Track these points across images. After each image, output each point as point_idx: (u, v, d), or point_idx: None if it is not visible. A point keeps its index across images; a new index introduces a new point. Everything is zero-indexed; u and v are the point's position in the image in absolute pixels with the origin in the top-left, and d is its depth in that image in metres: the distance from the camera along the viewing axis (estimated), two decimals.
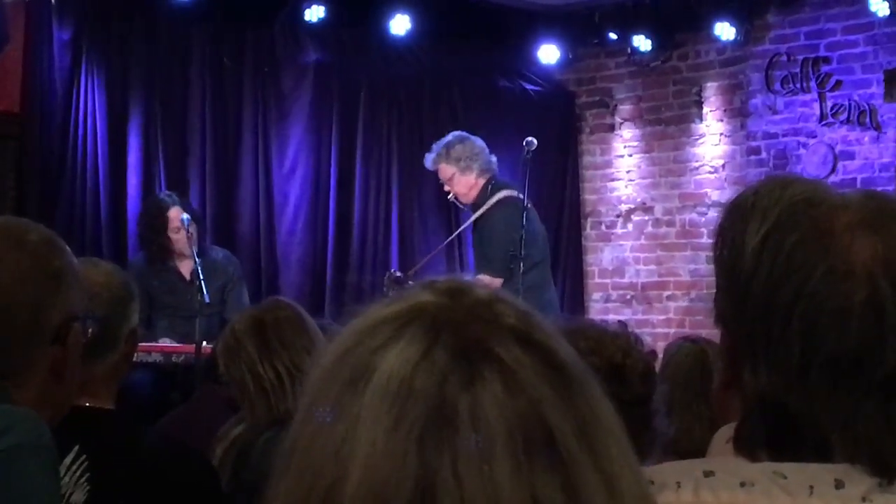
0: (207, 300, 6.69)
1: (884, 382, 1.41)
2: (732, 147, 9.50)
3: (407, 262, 9.21)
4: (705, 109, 9.67)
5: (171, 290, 7.27)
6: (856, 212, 1.45)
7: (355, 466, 0.91)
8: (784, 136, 9.05)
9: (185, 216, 7.11)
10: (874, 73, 8.65)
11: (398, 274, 7.48)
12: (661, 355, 4.04)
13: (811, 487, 1.40)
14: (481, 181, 7.46)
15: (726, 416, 1.55)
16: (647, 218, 9.96)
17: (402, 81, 9.49)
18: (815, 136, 8.90)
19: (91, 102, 8.08)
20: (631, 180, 10.09)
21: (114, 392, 2.66)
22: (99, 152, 8.10)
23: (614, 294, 10.09)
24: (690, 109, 9.74)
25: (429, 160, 7.59)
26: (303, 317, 3.58)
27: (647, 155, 9.99)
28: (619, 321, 3.20)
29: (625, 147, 10.15)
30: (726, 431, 1.51)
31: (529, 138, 7.33)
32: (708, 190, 9.56)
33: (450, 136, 7.62)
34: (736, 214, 1.50)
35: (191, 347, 6.58)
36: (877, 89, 8.64)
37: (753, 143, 9.23)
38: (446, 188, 7.55)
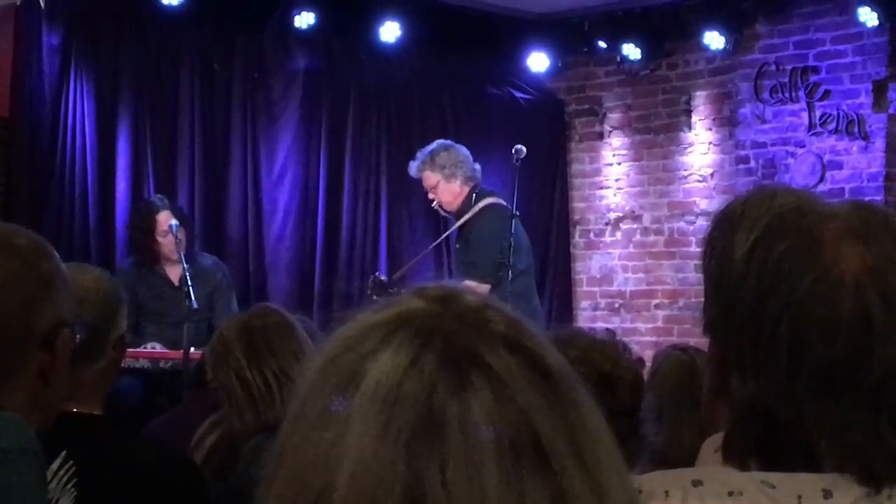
0: (195, 306, 6.68)
1: (872, 391, 1.41)
2: (721, 156, 9.51)
3: (395, 268, 9.20)
4: (694, 118, 9.69)
5: (160, 295, 7.27)
6: (844, 221, 1.46)
7: (344, 473, 0.91)
8: (773, 145, 9.07)
9: (174, 222, 7.11)
10: (863, 82, 8.67)
11: (382, 277, 7.49)
12: (648, 364, 4.04)
13: (799, 497, 1.40)
14: (466, 189, 7.45)
15: (715, 425, 1.55)
16: (635, 226, 9.97)
17: (392, 88, 9.49)
18: (803, 146, 8.92)
19: (80, 107, 8.07)
20: (619, 189, 10.09)
21: (102, 398, 2.65)
22: (88, 157, 8.09)
23: (602, 302, 10.10)
24: (679, 118, 9.75)
25: (413, 168, 7.58)
26: (291, 323, 3.57)
27: (636, 163, 10.00)
28: (607, 329, 3.20)
29: (614, 155, 10.16)
30: (715, 440, 1.51)
31: (518, 146, 7.33)
32: (696, 199, 9.58)
33: (434, 144, 7.62)
34: (724, 224, 1.51)
35: (178, 353, 6.57)
36: (865, 99, 8.66)
37: (742, 153, 9.24)
38: (430, 196, 7.54)
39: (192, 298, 6.71)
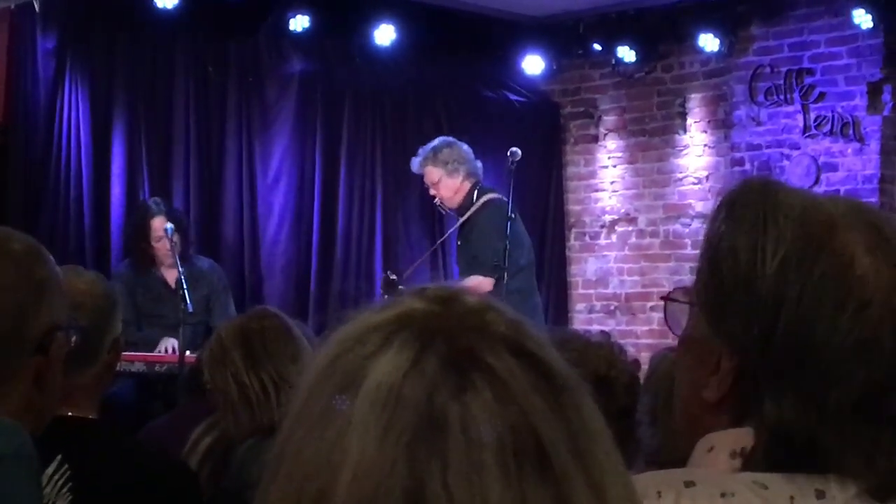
0: (191, 309, 6.68)
1: None
2: (716, 158, 9.52)
3: (391, 270, 9.20)
4: (689, 121, 9.69)
5: (156, 298, 7.27)
6: (861, 233, 1.46)
7: (344, 474, 0.91)
8: (768, 147, 9.08)
9: (169, 226, 7.11)
10: (858, 84, 8.68)
11: (392, 276, 7.47)
12: (644, 366, 4.04)
13: (791, 498, 1.40)
14: (467, 185, 7.47)
15: (696, 429, 1.55)
16: (630, 229, 9.97)
17: (387, 91, 9.49)
18: (798, 148, 8.93)
19: (75, 111, 8.07)
20: (615, 191, 10.10)
21: (97, 402, 2.65)
22: (83, 161, 8.08)
23: (598, 305, 10.10)
24: (674, 120, 9.76)
25: (415, 163, 7.58)
26: (289, 326, 3.57)
27: (631, 166, 10.01)
28: (603, 331, 3.19)
29: (609, 158, 10.16)
30: (707, 441, 1.51)
31: (514, 149, 7.33)
32: (692, 201, 9.58)
33: (437, 141, 7.64)
34: (733, 223, 1.49)
35: (174, 357, 6.57)
36: (860, 101, 8.67)
37: (737, 155, 9.25)
38: (432, 192, 7.53)
39: (188, 302, 6.71)
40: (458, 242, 7.60)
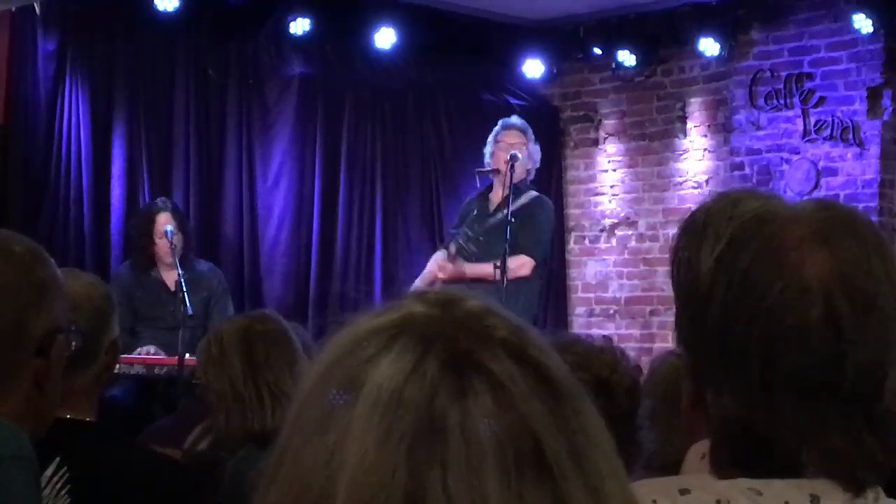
0: (190, 312, 6.68)
1: (847, 396, 1.41)
2: (716, 162, 9.52)
3: (390, 274, 9.21)
4: (689, 125, 9.69)
5: (155, 300, 7.27)
6: (806, 225, 1.45)
7: (344, 478, 0.91)
8: (767, 151, 9.08)
9: (170, 228, 7.12)
10: (857, 89, 8.68)
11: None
12: (645, 370, 4.04)
13: (786, 503, 1.40)
14: (531, 170, 7.59)
15: (695, 433, 1.55)
16: (630, 233, 9.97)
17: (387, 94, 9.50)
18: (798, 153, 8.93)
19: (75, 113, 8.07)
20: (615, 195, 10.10)
21: (95, 403, 2.64)
22: (83, 162, 8.08)
23: (597, 308, 10.10)
24: (674, 125, 9.76)
25: (517, 119, 7.75)
26: (288, 332, 3.56)
27: (631, 170, 10.01)
28: (605, 336, 3.19)
29: (609, 162, 10.16)
30: (700, 447, 1.51)
31: (513, 152, 7.33)
32: (691, 205, 9.50)
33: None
34: (690, 234, 1.50)
35: (173, 359, 6.57)
36: (860, 106, 8.67)
37: (737, 159, 9.25)
38: (514, 152, 7.35)
39: (188, 304, 6.71)
40: (512, 219, 7.42)
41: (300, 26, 8.65)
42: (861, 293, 1.41)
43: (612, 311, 10.00)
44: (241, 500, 0.99)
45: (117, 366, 7.08)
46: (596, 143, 10.24)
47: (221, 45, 8.81)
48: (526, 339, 0.98)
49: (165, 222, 7.18)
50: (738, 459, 1.44)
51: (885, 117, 8.62)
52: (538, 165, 7.72)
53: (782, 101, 8.99)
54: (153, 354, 6.83)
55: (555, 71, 10.08)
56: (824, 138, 8.80)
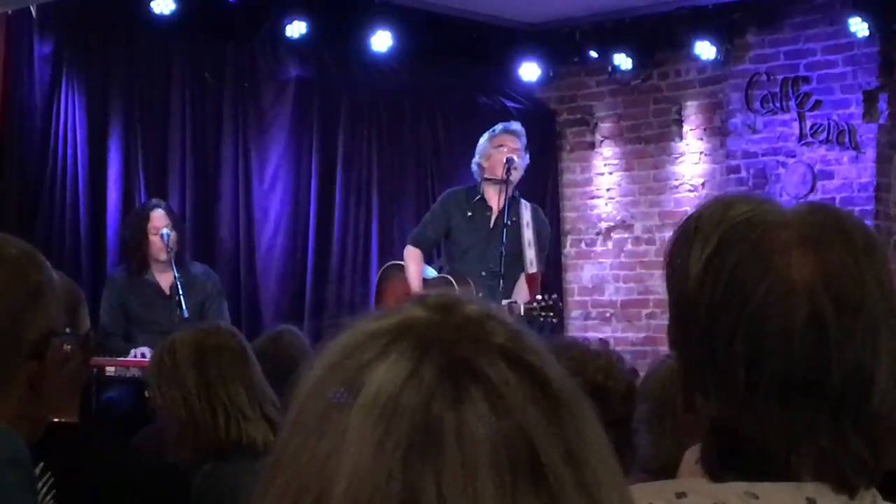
0: (186, 315, 6.67)
1: (833, 398, 1.41)
2: (712, 166, 9.53)
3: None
4: (685, 128, 9.70)
5: (150, 304, 7.26)
6: (795, 228, 1.45)
7: (339, 484, 0.91)
8: (763, 155, 9.09)
9: (166, 231, 7.12)
10: (853, 93, 8.69)
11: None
12: (641, 373, 4.04)
13: None
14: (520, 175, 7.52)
15: (691, 438, 1.55)
16: (626, 236, 9.98)
17: (383, 98, 9.50)
18: (794, 156, 8.94)
19: (71, 116, 8.07)
20: (611, 198, 10.10)
21: (76, 404, 2.62)
22: (79, 166, 8.08)
23: (594, 312, 10.10)
24: (670, 128, 9.77)
25: (518, 126, 7.62)
26: (243, 347, 3.53)
27: (628, 173, 10.02)
28: (602, 340, 3.18)
29: (605, 165, 10.17)
30: (695, 451, 1.51)
31: (510, 155, 7.33)
32: (688, 208, 9.56)
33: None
34: (682, 239, 1.50)
35: None
36: (856, 109, 8.68)
37: (733, 162, 9.26)
38: (511, 156, 7.31)
39: (184, 308, 6.70)
40: (525, 228, 7.41)
41: (296, 29, 8.65)
42: (847, 295, 1.41)
43: (608, 315, 10.00)
44: None
45: (113, 369, 7.07)
46: (592, 146, 10.24)
47: (218, 48, 8.81)
48: (524, 345, 0.98)
49: (160, 220, 7.18)
50: (728, 462, 1.44)
51: (881, 121, 8.63)
52: (522, 174, 7.58)
53: (778, 105, 9.00)
54: (147, 357, 6.82)
55: (551, 74, 10.08)
56: (820, 142, 8.81)
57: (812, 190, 8.77)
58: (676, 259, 1.50)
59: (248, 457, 3.31)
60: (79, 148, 8.09)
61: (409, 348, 0.94)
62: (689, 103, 9.69)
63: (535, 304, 7.06)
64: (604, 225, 10.11)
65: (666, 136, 9.79)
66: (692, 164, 9.65)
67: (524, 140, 7.51)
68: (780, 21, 9.00)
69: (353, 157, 9.31)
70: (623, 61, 9.66)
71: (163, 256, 7.12)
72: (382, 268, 8.01)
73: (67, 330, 2.03)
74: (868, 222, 7.51)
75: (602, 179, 10.17)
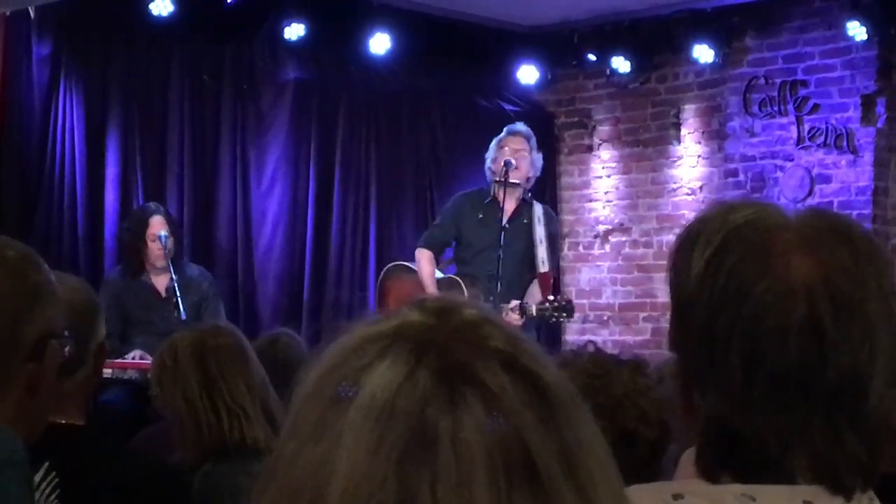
0: (184, 317, 6.67)
1: (828, 399, 1.41)
2: (710, 169, 9.53)
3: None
4: (683, 131, 9.70)
5: (146, 306, 7.25)
6: (796, 231, 1.46)
7: (335, 487, 0.91)
8: (761, 158, 9.09)
9: (164, 233, 7.12)
10: (851, 97, 8.69)
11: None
12: None
13: None
14: (532, 176, 7.51)
15: (690, 439, 1.55)
16: (624, 239, 9.98)
17: (382, 100, 9.50)
18: (792, 160, 8.94)
19: (69, 117, 8.07)
20: (609, 201, 10.10)
21: (83, 408, 2.63)
22: (77, 167, 8.08)
23: (591, 315, 10.10)
24: (668, 131, 9.77)
25: (521, 126, 7.64)
26: (243, 346, 3.53)
27: (625, 176, 10.02)
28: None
29: (603, 168, 10.17)
30: (692, 453, 1.51)
31: (508, 158, 7.33)
32: (685, 212, 9.58)
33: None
34: (684, 242, 1.51)
35: None
36: (854, 113, 8.68)
37: (731, 166, 9.26)
38: (508, 159, 7.32)
39: (181, 309, 6.69)
40: (537, 230, 7.44)
41: (295, 31, 8.65)
42: (846, 297, 1.41)
43: (605, 318, 10.00)
44: None
45: (110, 371, 7.07)
46: (590, 149, 10.25)
47: (216, 49, 8.81)
48: (520, 349, 0.98)
49: (159, 226, 7.18)
50: (724, 461, 1.45)
51: (879, 124, 8.63)
52: (539, 174, 7.66)
53: (776, 108, 9.00)
54: (140, 359, 6.83)
55: (549, 77, 10.08)
56: (818, 145, 8.81)
57: (810, 194, 8.77)
58: (679, 261, 1.51)
59: (250, 457, 3.31)
60: (77, 149, 8.09)
61: (405, 352, 0.95)
62: (687, 107, 9.69)
63: (547, 304, 7.07)
64: (602, 228, 10.11)
65: (664, 139, 9.79)
66: (690, 168, 9.65)
67: (531, 141, 7.53)
68: (778, 25, 9.01)
69: (351, 158, 9.32)
70: (621, 64, 9.66)
71: (161, 263, 7.13)
72: (385, 268, 8.00)
73: (66, 333, 2.03)
74: (866, 226, 7.51)
75: (600, 182, 10.17)
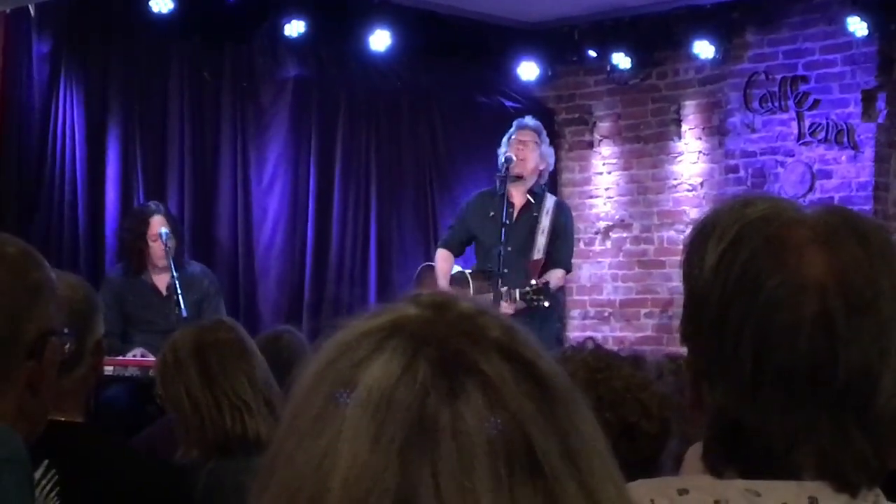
0: (185, 315, 6.67)
1: (837, 395, 1.41)
2: (711, 165, 9.52)
3: (385, 277, 9.21)
4: (684, 127, 9.70)
5: (147, 304, 7.25)
6: (810, 227, 1.46)
7: (336, 480, 0.91)
8: (762, 154, 9.08)
9: (165, 231, 7.11)
10: (852, 92, 8.69)
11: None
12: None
13: None
14: (542, 169, 7.54)
15: (698, 434, 1.55)
16: (625, 235, 9.97)
17: (382, 97, 9.50)
18: (792, 155, 8.94)
19: (70, 116, 8.06)
20: (609, 197, 10.10)
21: (82, 405, 2.63)
22: (77, 165, 8.08)
23: (592, 311, 10.10)
24: (669, 127, 9.77)
25: (530, 120, 7.70)
26: (245, 340, 3.54)
27: (626, 172, 10.01)
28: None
29: (603, 164, 10.17)
30: (698, 448, 1.51)
31: (508, 154, 7.33)
32: (686, 208, 9.59)
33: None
34: (699, 235, 1.51)
35: None
36: (854, 108, 8.68)
37: (732, 162, 9.26)
38: (513, 153, 7.38)
39: (182, 307, 6.69)
40: (543, 223, 7.46)
41: (295, 28, 8.65)
42: (858, 294, 1.41)
43: (606, 314, 10.00)
44: None
45: (111, 368, 7.08)
46: (591, 145, 10.24)
47: (216, 47, 8.80)
48: (518, 340, 0.98)
49: (159, 225, 7.17)
50: (731, 456, 1.45)
51: (880, 120, 8.63)
52: (551, 168, 7.76)
53: (777, 104, 9.00)
54: (141, 357, 6.83)
55: (549, 73, 10.08)
56: (819, 141, 8.81)
57: (811, 189, 8.77)
58: (693, 253, 1.51)
59: (253, 453, 3.31)
60: (77, 147, 8.09)
61: (402, 345, 0.95)
62: (687, 103, 9.69)
63: (528, 288, 7.09)
64: (602, 224, 10.11)
65: (664, 135, 9.79)
66: (691, 164, 9.65)
67: (541, 135, 7.58)
68: (778, 20, 9.00)
69: (351, 155, 9.31)
70: (622, 60, 9.66)
71: (162, 262, 7.12)
72: (418, 269, 8.13)
73: (66, 330, 2.03)
74: None
75: (600, 179, 10.17)
